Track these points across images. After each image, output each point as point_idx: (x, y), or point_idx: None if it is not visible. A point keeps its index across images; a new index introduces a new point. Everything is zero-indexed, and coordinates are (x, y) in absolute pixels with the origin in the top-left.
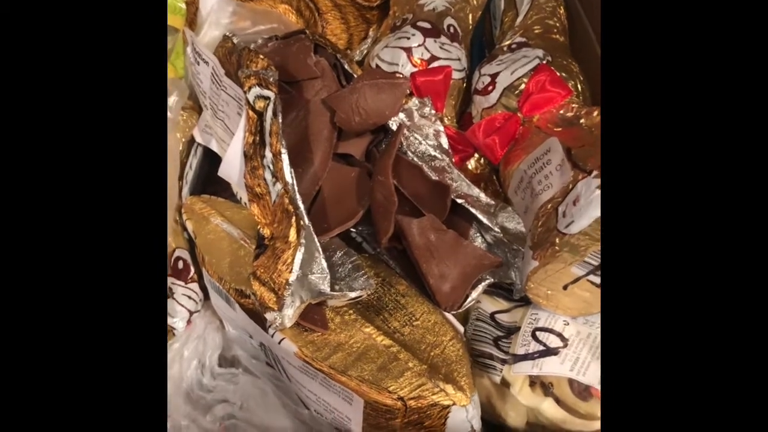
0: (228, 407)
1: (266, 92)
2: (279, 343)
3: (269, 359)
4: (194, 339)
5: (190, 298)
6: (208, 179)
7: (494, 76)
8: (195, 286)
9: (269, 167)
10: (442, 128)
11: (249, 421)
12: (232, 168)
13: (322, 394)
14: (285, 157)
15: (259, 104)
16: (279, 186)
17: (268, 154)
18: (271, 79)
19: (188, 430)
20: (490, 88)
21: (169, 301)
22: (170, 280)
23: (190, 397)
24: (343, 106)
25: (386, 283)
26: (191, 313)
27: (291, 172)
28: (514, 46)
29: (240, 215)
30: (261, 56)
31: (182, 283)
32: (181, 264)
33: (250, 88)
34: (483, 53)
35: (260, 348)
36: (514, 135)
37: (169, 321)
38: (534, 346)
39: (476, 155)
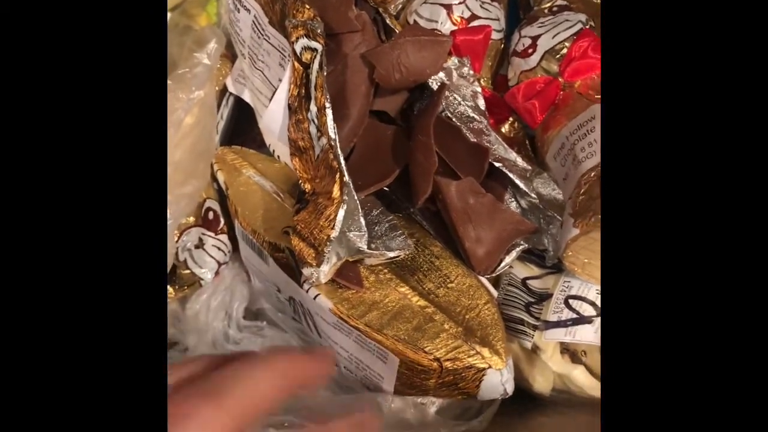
0: None
1: (313, 44)
2: (314, 298)
3: (297, 314)
4: (222, 290)
5: (219, 249)
6: (236, 130)
7: (535, 39)
8: (224, 237)
9: (314, 121)
10: (479, 89)
11: None
12: (275, 120)
13: (355, 352)
14: (329, 112)
15: (306, 56)
16: (324, 140)
17: (313, 108)
18: (319, 31)
19: None
20: (531, 50)
21: (199, 252)
22: (200, 230)
23: (215, 349)
24: (384, 62)
25: (420, 244)
26: (220, 264)
27: (334, 128)
28: (555, 8)
29: (272, 168)
30: (307, 6)
31: (212, 234)
32: (211, 215)
33: (297, 38)
34: (517, 14)
35: (288, 302)
36: (554, 100)
37: (197, 271)
38: (567, 314)
39: (510, 119)
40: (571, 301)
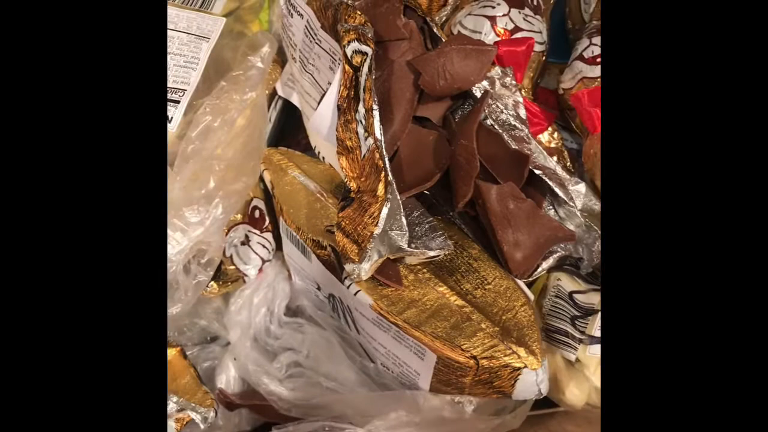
0: (294, 355)
1: (364, 47)
2: (355, 294)
3: (336, 311)
4: (264, 287)
5: (264, 246)
6: (282, 133)
7: None
8: (269, 235)
9: (362, 122)
10: (521, 99)
11: (315, 370)
12: (323, 120)
13: (393, 348)
14: (377, 114)
15: (357, 59)
16: (371, 140)
17: (362, 109)
18: (369, 35)
19: (255, 375)
20: (600, 59)
21: (245, 249)
22: (247, 227)
23: (257, 343)
24: (429, 69)
25: (459, 246)
26: (263, 261)
27: (380, 129)
28: None
29: (317, 169)
30: (359, 12)
31: (258, 232)
32: (257, 213)
33: (348, 42)
34: (564, 25)
35: (328, 300)
36: None
37: (242, 267)
38: None
39: (549, 129)
40: None
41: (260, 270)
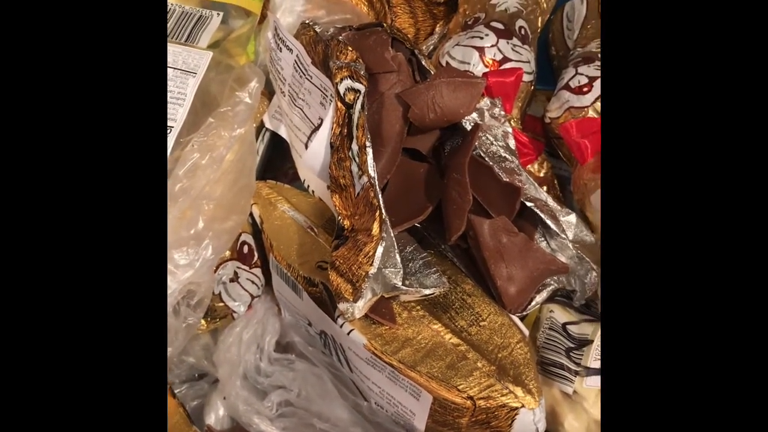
0: (285, 393)
1: (357, 85)
2: (348, 333)
3: (327, 348)
4: (254, 324)
5: (252, 282)
6: (269, 165)
7: (592, 80)
8: (258, 271)
9: (355, 159)
10: (510, 130)
11: (307, 409)
12: (316, 158)
13: (388, 388)
14: (370, 151)
15: (349, 96)
16: (365, 179)
17: (355, 147)
18: (362, 72)
19: (245, 415)
20: (586, 89)
21: (233, 285)
22: (235, 264)
23: (247, 381)
24: (419, 101)
25: (452, 281)
26: (253, 297)
27: (374, 166)
28: None
29: (306, 203)
30: (350, 48)
31: (246, 268)
32: (246, 248)
33: (341, 79)
34: (546, 54)
35: (319, 336)
36: None
37: (231, 304)
38: None
39: (539, 159)
40: None
41: (249, 306)
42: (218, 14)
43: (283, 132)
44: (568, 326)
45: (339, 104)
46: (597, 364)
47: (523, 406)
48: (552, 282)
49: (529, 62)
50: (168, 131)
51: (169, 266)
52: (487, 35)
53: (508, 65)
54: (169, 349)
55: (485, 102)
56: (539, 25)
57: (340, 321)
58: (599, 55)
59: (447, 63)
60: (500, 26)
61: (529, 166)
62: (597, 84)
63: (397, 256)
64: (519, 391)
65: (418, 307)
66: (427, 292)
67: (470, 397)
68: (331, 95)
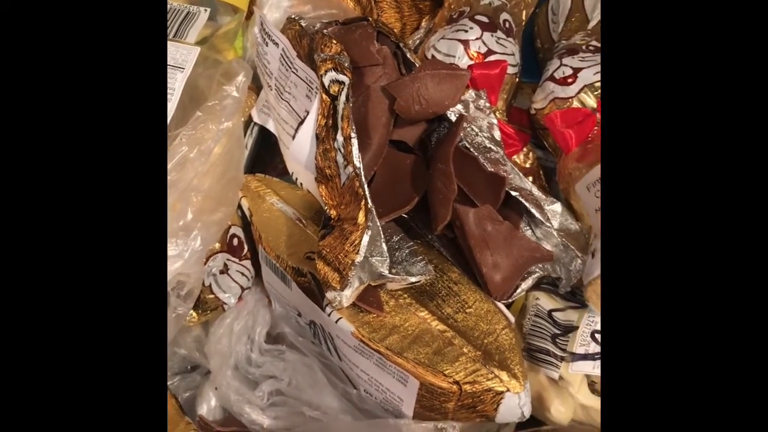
0: (276, 383)
1: (341, 77)
2: (336, 322)
3: (317, 337)
4: (244, 315)
5: (243, 274)
6: (258, 159)
7: (576, 71)
8: (248, 263)
9: (340, 150)
10: (495, 121)
11: (297, 398)
12: (302, 149)
13: (376, 375)
14: (355, 142)
15: (334, 88)
16: (350, 169)
17: (340, 138)
18: (346, 64)
19: (237, 404)
20: (571, 80)
21: (223, 277)
22: (225, 256)
23: (238, 372)
24: (404, 94)
25: (439, 270)
26: (243, 289)
27: (359, 156)
28: (592, 47)
29: (295, 195)
30: (334, 41)
31: (236, 260)
32: (235, 241)
33: (326, 72)
34: (531, 46)
35: (309, 326)
36: (590, 133)
37: (222, 296)
38: (594, 347)
39: (525, 149)
40: (597, 335)
41: (240, 298)
42: (206, 10)
43: (271, 126)
44: (553, 313)
45: (324, 96)
46: (582, 350)
47: (508, 390)
48: (537, 270)
49: (513, 55)
50: None
51: None
52: (471, 28)
53: (492, 57)
54: None
55: (470, 94)
56: (524, 18)
57: (328, 310)
58: (583, 47)
59: (432, 56)
60: (485, 19)
61: (514, 156)
62: (581, 75)
63: (384, 244)
64: (504, 375)
65: (405, 295)
66: (414, 279)
67: (456, 382)
68: (316, 87)
